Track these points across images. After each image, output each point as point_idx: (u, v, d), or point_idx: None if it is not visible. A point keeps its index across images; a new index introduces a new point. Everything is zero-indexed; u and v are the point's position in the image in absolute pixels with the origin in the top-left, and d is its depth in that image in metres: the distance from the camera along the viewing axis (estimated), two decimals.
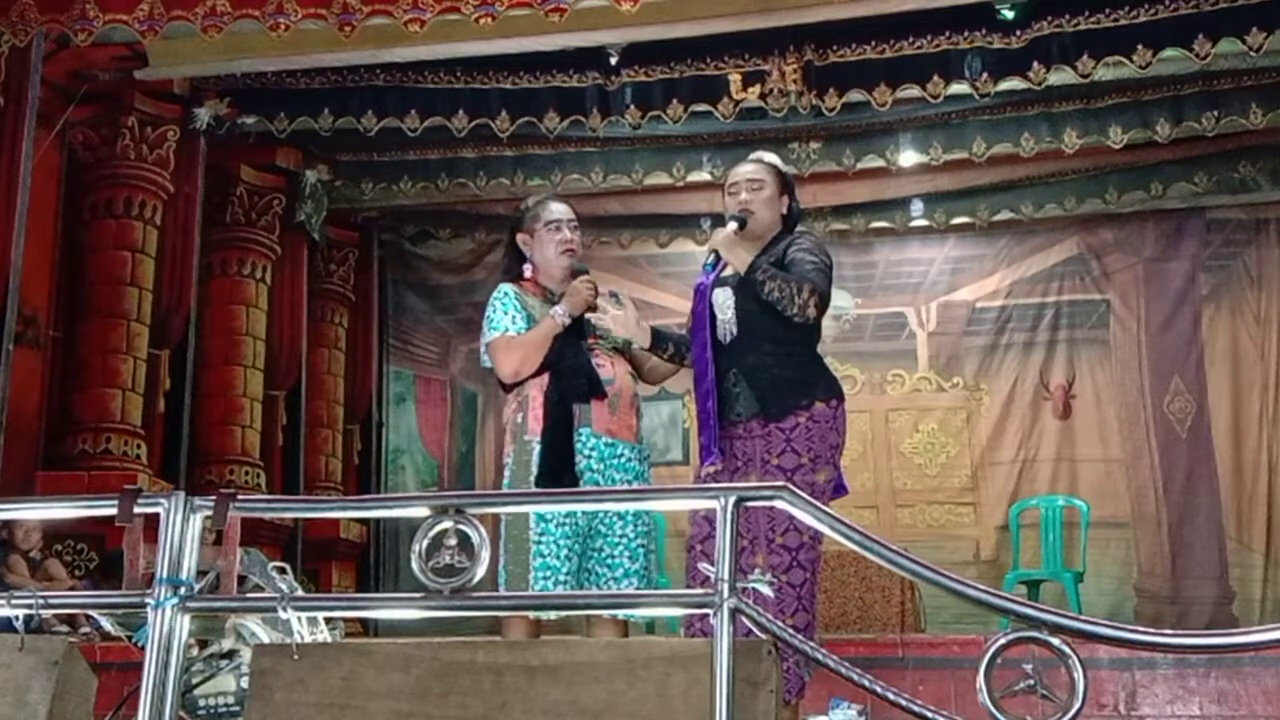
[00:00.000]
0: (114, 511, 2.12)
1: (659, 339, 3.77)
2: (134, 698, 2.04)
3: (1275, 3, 6.23)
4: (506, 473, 3.66)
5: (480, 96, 7.38)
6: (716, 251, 3.64)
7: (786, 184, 3.78)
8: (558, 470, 3.52)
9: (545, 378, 3.63)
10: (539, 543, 3.48)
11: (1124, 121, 7.61)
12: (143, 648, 2.05)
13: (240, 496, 2.14)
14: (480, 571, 1.98)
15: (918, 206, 8.79)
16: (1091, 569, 7.60)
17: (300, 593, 2.66)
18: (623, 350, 3.79)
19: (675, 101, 7.22)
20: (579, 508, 3.45)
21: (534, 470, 3.56)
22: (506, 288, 3.76)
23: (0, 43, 6.26)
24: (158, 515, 2.11)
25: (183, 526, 2.10)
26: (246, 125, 7.85)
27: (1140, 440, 8.73)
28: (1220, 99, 7.42)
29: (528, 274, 3.82)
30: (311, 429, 8.80)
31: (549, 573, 3.46)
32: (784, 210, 3.74)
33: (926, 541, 8.48)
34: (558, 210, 3.83)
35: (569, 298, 3.69)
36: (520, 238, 3.85)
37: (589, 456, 3.58)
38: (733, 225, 3.65)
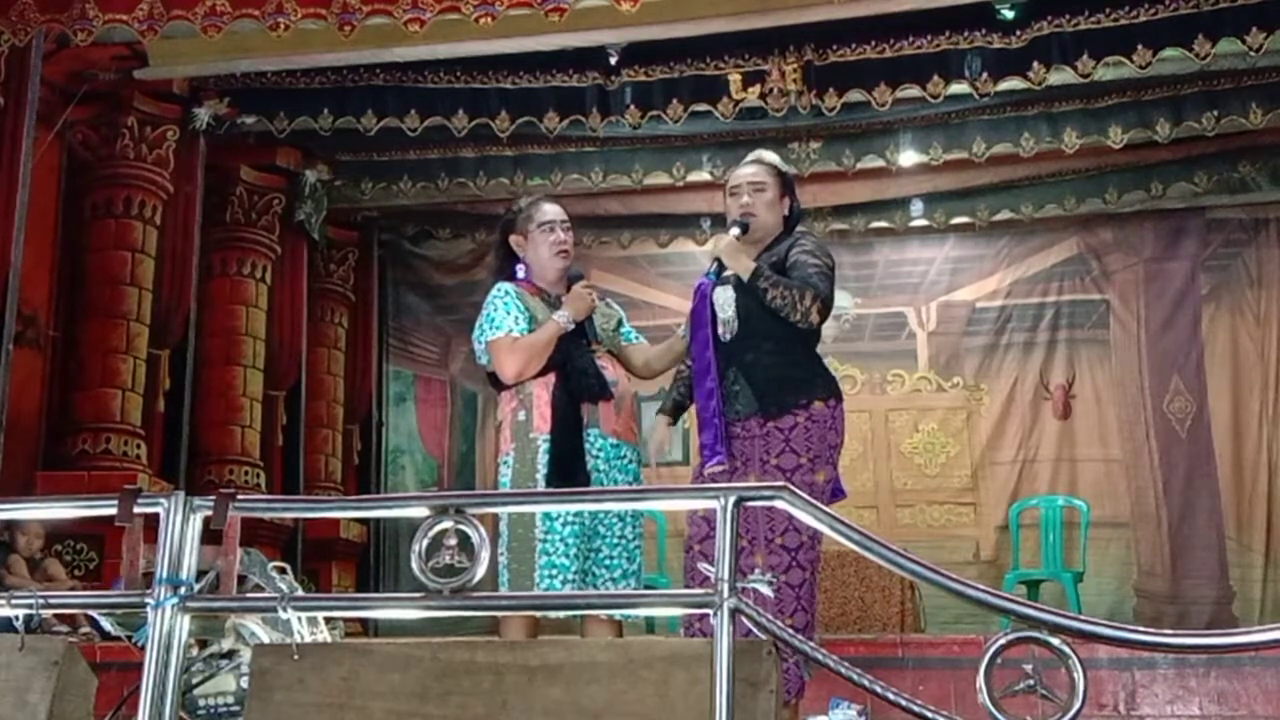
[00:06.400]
0: (114, 511, 2.12)
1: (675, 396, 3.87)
2: (134, 698, 2.04)
3: (1275, 3, 6.22)
4: (507, 470, 3.62)
5: (480, 96, 7.37)
6: (719, 259, 3.64)
7: (787, 184, 3.77)
8: (570, 469, 3.51)
9: (551, 376, 3.62)
10: (545, 541, 3.47)
11: (1124, 121, 7.60)
12: (143, 648, 2.05)
13: (240, 496, 2.14)
14: (480, 571, 1.98)
15: (918, 206, 8.78)
16: (1091, 569, 7.60)
17: (300, 593, 2.66)
18: (614, 354, 3.79)
19: (675, 101, 7.20)
20: (578, 507, 3.44)
21: (541, 468, 3.54)
22: (507, 286, 3.73)
23: (0, 42, 6.26)
24: (158, 515, 2.11)
25: (182, 526, 2.10)
26: (246, 125, 7.84)
27: (1140, 440, 8.71)
28: (1220, 99, 7.41)
29: (521, 275, 3.80)
30: (311, 429, 8.79)
31: (556, 571, 3.45)
32: (785, 212, 3.74)
33: (926, 541, 8.47)
34: (550, 211, 3.81)
35: (571, 303, 3.67)
36: (513, 239, 3.82)
37: (596, 456, 3.58)
38: (735, 231, 3.64)
